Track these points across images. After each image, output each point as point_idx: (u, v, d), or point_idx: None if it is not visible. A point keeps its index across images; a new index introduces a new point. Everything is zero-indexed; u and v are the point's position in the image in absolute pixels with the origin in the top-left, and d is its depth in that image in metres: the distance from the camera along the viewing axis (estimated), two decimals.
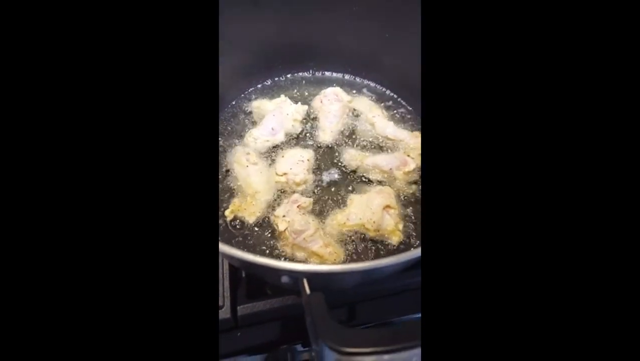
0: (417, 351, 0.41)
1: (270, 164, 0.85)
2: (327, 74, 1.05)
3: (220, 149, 0.87)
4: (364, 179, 0.84)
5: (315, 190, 0.82)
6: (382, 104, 0.98)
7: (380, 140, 0.90)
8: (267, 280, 0.73)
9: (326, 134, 0.90)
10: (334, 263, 0.70)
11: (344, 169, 0.86)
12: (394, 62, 0.96)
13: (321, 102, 0.93)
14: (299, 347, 0.76)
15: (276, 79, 1.03)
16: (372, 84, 1.03)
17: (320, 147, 0.89)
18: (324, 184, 0.83)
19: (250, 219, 0.76)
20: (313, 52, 1.00)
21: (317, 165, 0.86)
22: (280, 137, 0.88)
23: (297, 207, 0.75)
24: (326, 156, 0.88)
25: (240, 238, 0.75)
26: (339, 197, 0.81)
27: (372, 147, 0.90)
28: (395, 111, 0.97)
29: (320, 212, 0.79)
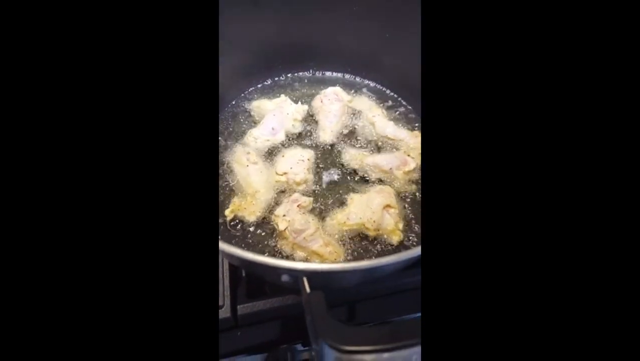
0: (417, 350, 0.41)
1: (270, 164, 0.85)
2: (327, 73, 1.05)
3: (221, 149, 0.87)
4: (364, 179, 0.84)
5: (316, 190, 0.82)
6: (382, 104, 0.98)
7: (381, 140, 0.90)
8: (267, 279, 0.74)
9: (326, 134, 0.90)
10: (334, 262, 0.70)
11: (344, 169, 0.86)
12: (394, 62, 0.96)
13: (321, 101, 0.93)
14: (299, 346, 0.76)
15: (276, 78, 1.03)
16: (372, 84, 1.03)
17: (320, 147, 0.89)
18: (324, 184, 0.83)
19: (251, 218, 0.76)
20: (313, 52, 1.00)
21: (317, 165, 0.86)
22: (280, 137, 0.89)
23: (297, 206, 0.75)
24: (326, 156, 0.88)
25: (240, 238, 0.76)
26: (339, 197, 0.81)
27: (372, 146, 0.90)
28: (395, 111, 0.98)
29: (320, 211, 0.79)
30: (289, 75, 1.04)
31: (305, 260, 0.71)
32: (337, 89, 0.95)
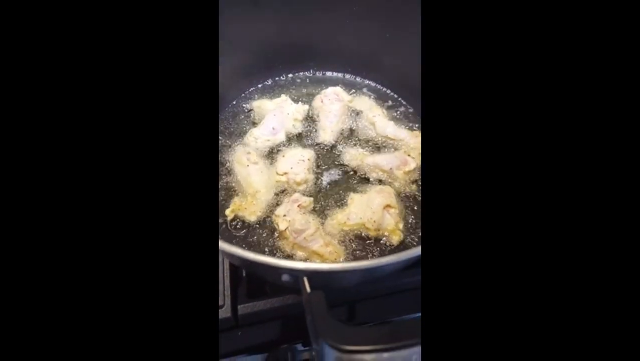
0: (417, 350, 0.41)
1: (270, 164, 0.85)
2: (328, 73, 1.05)
3: (221, 149, 0.87)
4: (364, 179, 0.84)
5: (316, 190, 0.82)
6: (383, 104, 0.98)
7: (381, 140, 0.90)
8: (267, 278, 0.74)
9: (327, 134, 0.90)
10: (334, 262, 0.70)
11: (344, 169, 0.86)
12: (394, 62, 0.96)
13: (322, 101, 0.93)
14: (300, 346, 0.76)
15: (277, 78, 1.03)
16: (373, 84, 1.03)
17: (320, 147, 0.89)
18: (325, 184, 0.83)
19: (251, 218, 0.76)
20: (313, 52, 1.00)
21: (317, 165, 0.86)
22: (280, 137, 0.89)
23: (298, 206, 0.75)
24: (327, 155, 0.88)
25: (241, 238, 0.76)
26: (340, 197, 0.81)
27: (373, 146, 0.90)
28: (395, 111, 0.98)
29: (320, 211, 0.79)
30: (289, 75, 1.04)
31: (306, 260, 0.71)
32: (338, 89, 0.95)
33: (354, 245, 0.75)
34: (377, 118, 0.91)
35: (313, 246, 0.71)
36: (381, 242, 0.75)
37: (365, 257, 0.74)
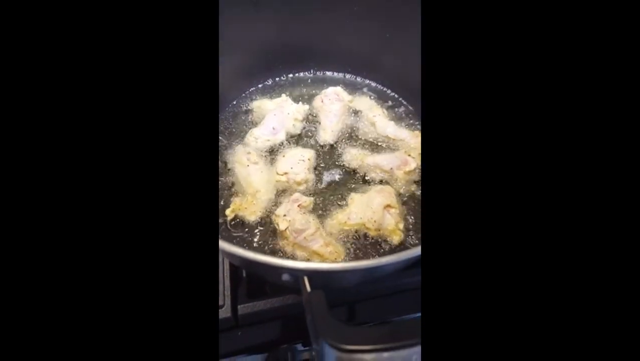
0: (417, 350, 0.41)
1: (271, 164, 0.85)
2: (328, 73, 1.05)
3: (222, 148, 0.87)
4: (364, 179, 0.84)
5: (316, 190, 0.82)
6: (383, 104, 0.98)
7: (381, 140, 0.90)
8: (267, 278, 0.74)
9: (327, 134, 0.90)
10: (334, 262, 0.70)
11: (344, 168, 0.86)
12: (394, 62, 0.96)
13: (322, 101, 0.93)
14: (300, 346, 0.76)
15: (277, 78, 1.03)
16: (373, 84, 1.03)
17: (321, 147, 0.90)
18: (325, 183, 0.83)
19: (251, 218, 0.76)
20: (313, 52, 1.00)
21: (317, 165, 0.86)
22: (281, 137, 0.89)
23: (298, 206, 0.75)
24: (327, 155, 0.88)
25: (241, 238, 0.76)
26: (340, 197, 0.81)
27: (373, 146, 0.90)
28: (396, 110, 0.98)
29: (321, 211, 0.79)
30: (289, 75, 1.04)
31: (306, 260, 0.71)
32: (338, 89, 0.95)
33: (354, 245, 0.75)
34: (377, 118, 0.91)
35: (313, 246, 0.71)
36: (381, 242, 0.75)
37: (365, 257, 0.74)
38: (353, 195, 0.79)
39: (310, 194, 0.81)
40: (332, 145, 0.90)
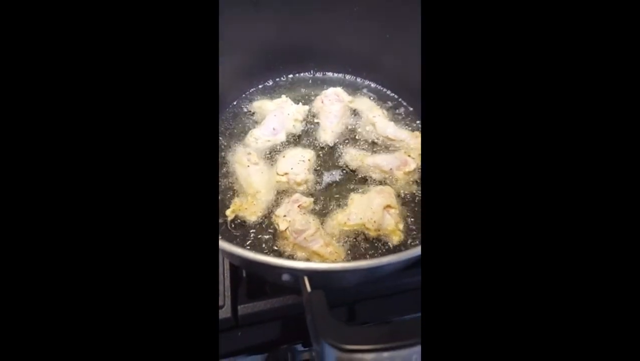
0: (417, 349, 0.41)
1: (271, 164, 0.85)
2: (328, 74, 1.06)
3: (222, 149, 0.87)
4: (364, 179, 0.84)
5: (316, 190, 0.82)
6: (383, 104, 0.98)
7: (381, 140, 0.90)
8: (267, 278, 0.74)
9: (327, 134, 0.90)
10: (334, 262, 0.70)
11: (344, 169, 0.86)
12: (394, 62, 0.96)
13: (322, 102, 0.93)
14: (300, 347, 0.76)
15: (277, 79, 1.03)
16: (373, 84, 1.03)
17: (321, 147, 0.90)
18: (325, 184, 0.84)
19: (251, 219, 0.76)
20: (313, 52, 1.00)
21: (317, 165, 0.86)
22: (281, 137, 0.89)
23: (298, 206, 0.75)
24: (327, 156, 0.88)
25: (241, 238, 0.76)
26: (340, 197, 0.81)
27: (373, 147, 0.90)
28: (396, 111, 0.98)
29: (321, 211, 0.79)
30: (289, 75, 1.04)
31: (306, 260, 0.71)
32: (338, 90, 0.95)
33: (354, 246, 0.75)
34: (377, 119, 0.91)
35: (313, 246, 0.71)
36: (381, 242, 0.75)
37: (365, 257, 0.74)
38: (353, 195, 0.79)
39: (310, 194, 0.81)
40: (332, 146, 0.90)
